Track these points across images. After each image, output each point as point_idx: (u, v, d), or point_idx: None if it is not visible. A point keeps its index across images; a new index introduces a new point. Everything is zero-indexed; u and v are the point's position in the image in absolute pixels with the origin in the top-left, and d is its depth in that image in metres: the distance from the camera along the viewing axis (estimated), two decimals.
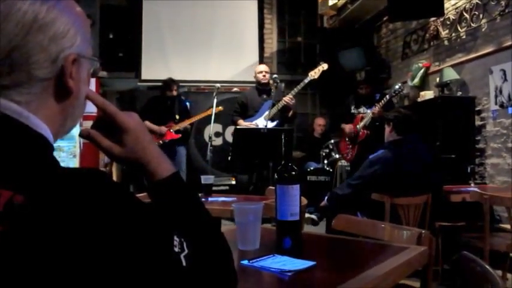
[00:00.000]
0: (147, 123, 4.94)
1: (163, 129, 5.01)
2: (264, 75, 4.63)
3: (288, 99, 4.38)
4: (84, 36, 0.67)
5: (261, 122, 4.44)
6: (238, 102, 4.74)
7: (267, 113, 4.44)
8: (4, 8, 0.58)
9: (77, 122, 0.71)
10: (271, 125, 4.37)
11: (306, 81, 4.57)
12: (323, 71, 4.60)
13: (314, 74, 4.58)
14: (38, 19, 0.60)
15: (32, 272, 0.48)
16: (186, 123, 5.04)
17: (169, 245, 0.60)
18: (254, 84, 4.81)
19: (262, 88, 4.66)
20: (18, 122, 0.58)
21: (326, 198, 2.90)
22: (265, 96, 4.61)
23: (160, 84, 5.32)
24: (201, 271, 0.63)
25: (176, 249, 0.60)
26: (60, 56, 0.62)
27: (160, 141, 4.96)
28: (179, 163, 5.08)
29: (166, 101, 5.18)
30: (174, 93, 5.17)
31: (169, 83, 5.18)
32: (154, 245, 0.57)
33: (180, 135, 5.06)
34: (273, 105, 4.38)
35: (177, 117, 5.11)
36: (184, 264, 0.60)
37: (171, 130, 5.03)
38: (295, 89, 4.58)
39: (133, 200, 0.59)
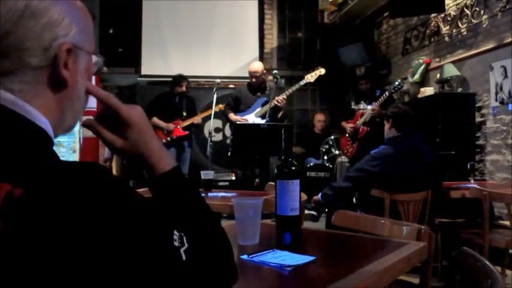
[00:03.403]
0: (155, 119, 4.96)
1: (171, 126, 5.03)
2: (257, 77, 4.61)
3: (280, 99, 4.38)
4: (82, 28, 0.66)
5: (251, 117, 4.46)
6: (231, 97, 4.76)
7: (258, 109, 4.45)
8: None
9: (77, 117, 0.70)
10: (261, 122, 4.36)
11: (302, 83, 4.58)
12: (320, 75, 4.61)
13: (310, 77, 4.58)
14: (30, 6, 0.59)
15: (31, 266, 0.48)
16: (191, 121, 5.05)
17: (169, 239, 0.60)
18: (248, 81, 4.80)
19: (255, 86, 4.66)
20: (18, 114, 0.58)
21: (320, 194, 2.88)
22: (259, 94, 4.62)
23: (160, 79, 5.30)
24: (201, 266, 0.63)
25: (176, 244, 0.60)
26: (53, 44, 0.61)
27: (168, 138, 4.98)
28: (185, 159, 5.11)
29: (175, 97, 5.18)
30: (184, 89, 5.17)
31: (178, 79, 5.18)
32: (154, 240, 0.57)
33: (187, 132, 5.08)
34: (266, 102, 4.39)
35: (184, 114, 5.11)
36: (184, 258, 0.60)
37: (178, 127, 5.04)
38: (289, 89, 4.59)
39: (133, 194, 0.59)
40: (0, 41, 0.58)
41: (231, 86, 6.51)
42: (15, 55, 0.59)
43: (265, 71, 4.74)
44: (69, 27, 0.64)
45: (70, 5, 0.65)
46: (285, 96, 4.44)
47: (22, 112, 0.58)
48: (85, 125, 0.71)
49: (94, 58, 0.72)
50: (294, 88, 4.57)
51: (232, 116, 4.55)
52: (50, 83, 0.63)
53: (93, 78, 0.75)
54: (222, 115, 5.07)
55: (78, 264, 0.50)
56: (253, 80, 4.62)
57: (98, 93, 0.71)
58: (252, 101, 4.59)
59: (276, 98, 4.37)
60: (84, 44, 0.67)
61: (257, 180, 4.45)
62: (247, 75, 4.74)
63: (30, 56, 0.60)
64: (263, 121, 4.35)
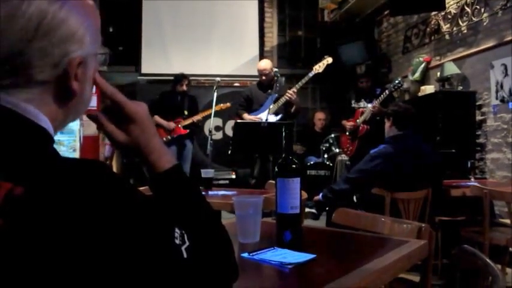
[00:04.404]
0: (156, 117, 4.96)
1: (172, 124, 5.04)
2: (266, 74, 4.61)
3: (290, 94, 4.37)
4: (93, 33, 0.65)
5: (265, 116, 4.44)
6: (243, 96, 4.74)
7: (271, 106, 4.44)
8: (9, 10, 0.56)
9: (78, 117, 0.71)
10: (275, 119, 4.36)
11: (311, 75, 4.55)
12: (327, 65, 4.58)
13: (319, 67, 4.56)
14: (43, 23, 0.58)
15: (32, 264, 0.48)
16: (192, 120, 5.05)
17: (170, 237, 0.60)
18: (258, 79, 4.81)
19: (266, 83, 4.66)
20: (17, 114, 0.58)
21: (321, 194, 2.88)
22: (269, 91, 4.61)
23: (160, 78, 5.29)
24: (202, 263, 0.63)
25: (177, 242, 0.60)
26: (63, 60, 0.60)
27: (169, 137, 4.99)
28: (186, 157, 5.12)
29: (177, 96, 5.19)
30: (185, 88, 5.18)
31: (180, 78, 5.20)
32: (155, 237, 0.57)
33: (188, 130, 5.09)
34: (277, 99, 4.38)
35: (186, 112, 5.12)
36: (185, 256, 0.60)
37: (180, 126, 5.05)
38: (299, 82, 4.56)
39: (134, 192, 0.59)
40: (10, 60, 0.57)
41: (236, 84, 6.51)
42: (23, 73, 0.58)
43: (273, 68, 4.72)
44: (82, 38, 0.62)
45: (84, 13, 0.63)
46: (295, 90, 4.43)
47: (21, 111, 0.58)
48: (90, 116, 0.71)
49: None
50: (303, 81, 4.54)
51: (247, 116, 4.54)
52: (57, 95, 0.62)
53: None
54: (222, 114, 5.06)
55: (79, 262, 0.50)
56: (263, 77, 4.62)
57: (105, 89, 0.71)
58: (263, 99, 4.58)
59: (287, 92, 4.37)
60: (94, 49, 0.66)
61: (253, 181, 4.47)
62: (247, 73, 4.74)
63: (38, 72, 0.59)
64: (277, 118, 4.35)
